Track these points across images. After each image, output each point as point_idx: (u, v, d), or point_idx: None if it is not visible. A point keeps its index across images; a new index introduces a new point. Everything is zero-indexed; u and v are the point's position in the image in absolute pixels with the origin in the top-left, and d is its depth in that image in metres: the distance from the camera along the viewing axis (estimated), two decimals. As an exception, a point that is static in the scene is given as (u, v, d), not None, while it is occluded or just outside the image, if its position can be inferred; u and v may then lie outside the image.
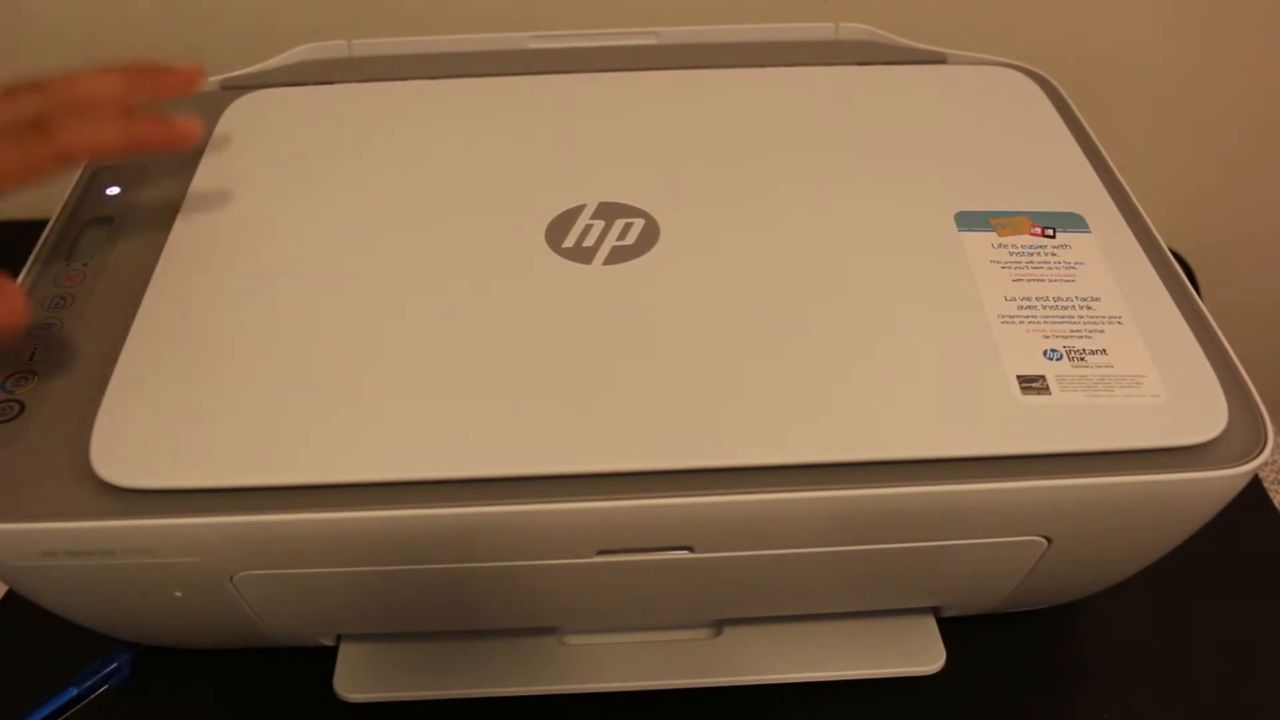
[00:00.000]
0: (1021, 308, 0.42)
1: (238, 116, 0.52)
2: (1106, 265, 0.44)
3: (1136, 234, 0.45)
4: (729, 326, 0.41)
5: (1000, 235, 0.45)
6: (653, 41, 0.59)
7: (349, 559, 0.38)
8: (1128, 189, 0.48)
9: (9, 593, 0.51)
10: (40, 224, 0.47)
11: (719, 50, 0.58)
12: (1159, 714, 0.48)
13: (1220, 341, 0.41)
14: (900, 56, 0.57)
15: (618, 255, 0.44)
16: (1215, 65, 0.74)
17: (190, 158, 0.49)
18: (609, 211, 0.46)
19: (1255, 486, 0.57)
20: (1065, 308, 0.42)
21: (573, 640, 0.48)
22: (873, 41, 0.58)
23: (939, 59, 0.57)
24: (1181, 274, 0.44)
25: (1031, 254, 0.44)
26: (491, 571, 0.39)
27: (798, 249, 0.44)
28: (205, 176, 0.48)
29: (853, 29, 0.59)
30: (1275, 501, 0.57)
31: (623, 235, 0.44)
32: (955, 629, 0.48)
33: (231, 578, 0.39)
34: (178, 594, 0.40)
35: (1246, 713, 0.48)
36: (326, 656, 0.47)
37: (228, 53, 0.69)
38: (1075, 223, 0.45)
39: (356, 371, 0.39)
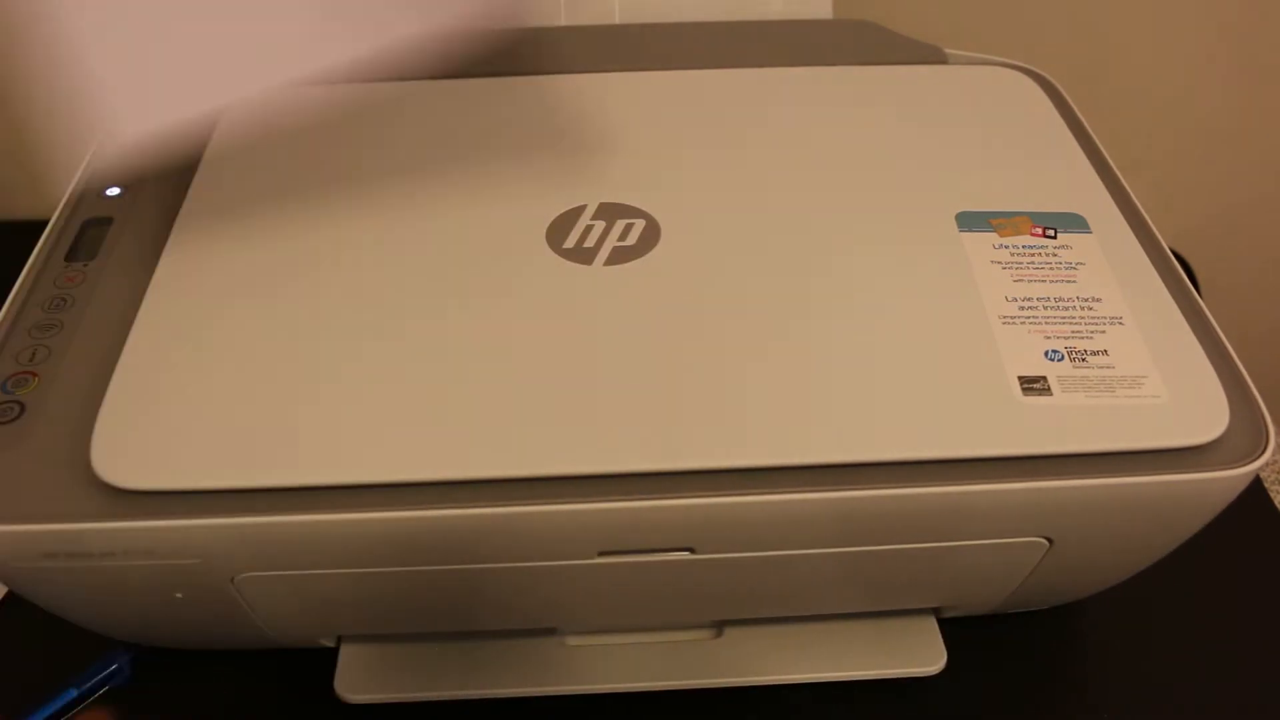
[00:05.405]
0: (1022, 308, 0.42)
1: (238, 116, 0.52)
2: (1107, 265, 0.44)
3: (1137, 234, 0.45)
4: (730, 327, 0.41)
5: (1001, 236, 0.45)
6: (660, 20, 0.59)
7: (350, 560, 0.38)
8: (1128, 189, 0.48)
9: (9, 593, 0.51)
10: (40, 224, 0.47)
11: (718, 34, 0.58)
12: (1159, 714, 0.48)
13: (1221, 342, 0.41)
14: (901, 50, 0.56)
15: (619, 256, 0.44)
16: (1215, 65, 0.74)
17: (190, 157, 0.49)
18: (610, 212, 0.46)
19: (1256, 487, 0.57)
20: (1066, 308, 0.42)
21: (573, 641, 0.48)
22: (872, 23, 0.58)
23: (939, 56, 0.57)
24: (1182, 274, 0.44)
25: (1032, 254, 0.44)
26: (492, 573, 0.39)
27: (798, 249, 0.44)
28: (206, 177, 0.48)
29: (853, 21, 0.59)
30: (1276, 502, 0.57)
31: (624, 236, 0.44)
32: (956, 629, 0.48)
33: (233, 579, 0.39)
34: (178, 595, 0.40)
35: (1246, 712, 0.48)
36: (327, 658, 0.47)
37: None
38: (1076, 223, 0.45)
39: (357, 372, 0.39)
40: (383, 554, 0.38)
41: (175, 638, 0.47)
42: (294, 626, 0.45)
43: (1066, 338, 0.41)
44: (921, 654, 0.48)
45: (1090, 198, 0.47)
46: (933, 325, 0.41)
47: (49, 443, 0.38)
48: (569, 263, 0.43)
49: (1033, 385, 0.39)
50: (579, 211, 0.46)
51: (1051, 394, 0.39)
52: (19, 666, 0.49)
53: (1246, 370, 0.40)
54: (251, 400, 0.38)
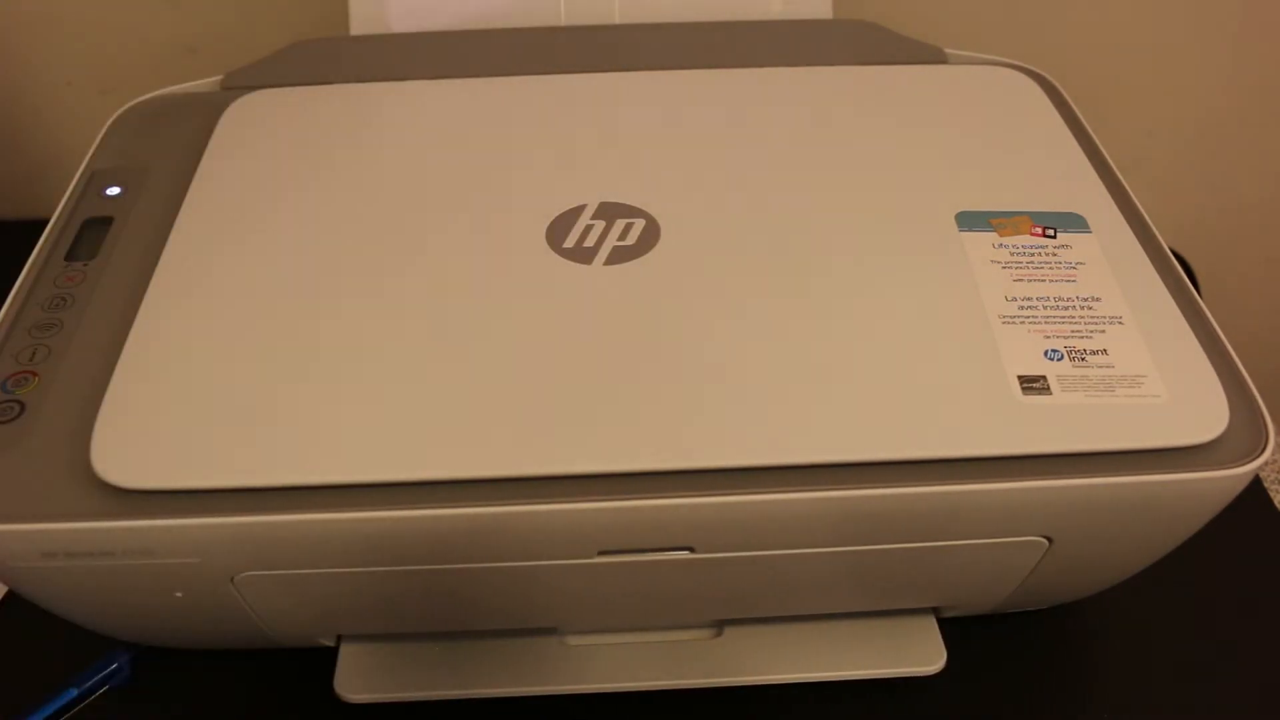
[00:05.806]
0: (1022, 308, 0.42)
1: (238, 116, 0.52)
2: (1107, 265, 0.44)
3: (1137, 234, 0.45)
4: (730, 327, 0.41)
5: (1001, 235, 0.45)
6: (660, 20, 0.59)
7: (350, 559, 0.38)
8: (1128, 189, 0.48)
9: (9, 593, 0.51)
10: (40, 224, 0.47)
11: (718, 34, 0.58)
12: (1159, 714, 0.48)
13: (1221, 341, 0.41)
14: (901, 50, 0.57)
15: (618, 255, 0.44)
16: (1215, 65, 0.74)
17: (190, 157, 0.49)
18: (609, 211, 0.46)
19: (1256, 486, 0.57)
20: (1066, 308, 0.42)
21: (573, 640, 0.48)
22: (872, 22, 0.58)
23: (939, 56, 0.57)
24: (1182, 274, 0.44)
25: (1032, 254, 0.44)
26: (492, 572, 0.39)
27: (798, 249, 0.44)
28: (205, 177, 0.48)
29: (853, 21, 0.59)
30: (1275, 501, 0.57)
31: (623, 235, 0.44)
32: (955, 629, 0.48)
33: (232, 578, 0.39)
34: (178, 595, 0.40)
35: (1246, 712, 0.48)
36: (327, 657, 0.47)
37: (228, 52, 0.69)
38: (1076, 223, 0.45)
39: (357, 372, 0.39)
40: (382, 553, 0.38)
41: (175, 638, 0.47)
42: (294, 626, 0.45)
43: (1066, 337, 0.41)
44: (921, 654, 0.48)
45: (1090, 198, 0.47)
46: (933, 325, 0.41)
47: (49, 442, 0.38)
48: (569, 262, 0.43)
49: (1032, 385, 0.39)
50: (579, 211, 0.46)
51: (1051, 393, 0.39)
52: (19, 666, 0.49)
53: (1246, 370, 0.40)
54: (251, 400, 0.38)
